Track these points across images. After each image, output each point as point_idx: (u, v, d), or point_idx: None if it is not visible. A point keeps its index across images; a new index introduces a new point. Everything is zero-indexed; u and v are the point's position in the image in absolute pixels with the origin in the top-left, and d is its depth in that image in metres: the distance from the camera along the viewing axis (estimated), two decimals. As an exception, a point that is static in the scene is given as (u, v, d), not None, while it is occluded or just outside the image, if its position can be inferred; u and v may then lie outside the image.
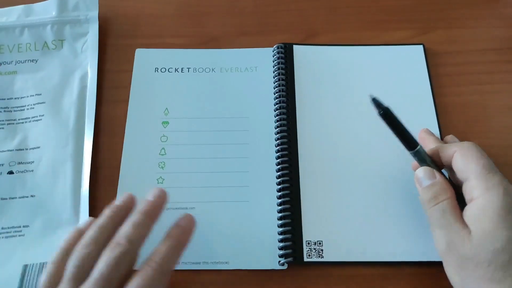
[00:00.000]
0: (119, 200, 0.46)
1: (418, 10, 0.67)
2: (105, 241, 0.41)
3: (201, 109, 0.59)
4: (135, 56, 0.63)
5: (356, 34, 0.65)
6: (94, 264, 0.39)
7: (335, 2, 0.68)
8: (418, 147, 0.46)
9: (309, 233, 0.51)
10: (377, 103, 0.44)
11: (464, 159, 0.43)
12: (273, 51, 0.63)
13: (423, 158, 0.46)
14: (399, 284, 0.50)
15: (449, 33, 0.65)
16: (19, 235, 0.52)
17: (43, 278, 0.41)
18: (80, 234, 0.43)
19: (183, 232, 0.44)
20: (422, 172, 0.45)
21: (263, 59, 0.63)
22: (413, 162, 0.48)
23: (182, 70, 0.62)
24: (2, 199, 0.54)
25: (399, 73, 0.61)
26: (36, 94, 0.60)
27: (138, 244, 0.41)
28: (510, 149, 0.57)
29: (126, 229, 0.41)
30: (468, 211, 0.41)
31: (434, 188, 0.43)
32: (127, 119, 0.58)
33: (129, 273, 0.40)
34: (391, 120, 0.45)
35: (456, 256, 0.39)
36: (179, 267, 0.48)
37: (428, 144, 0.50)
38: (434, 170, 0.45)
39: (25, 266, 0.50)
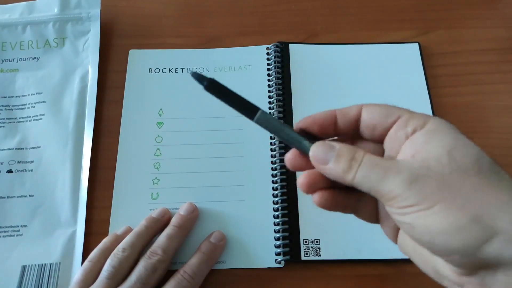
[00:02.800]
0: (155, 212, 0.52)
1: (418, 10, 0.67)
2: (141, 248, 0.47)
3: (195, 109, 0.59)
4: (129, 57, 0.63)
5: (357, 34, 0.65)
6: (129, 267, 0.45)
7: (335, 2, 0.68)
8: (259, 112, 0.35)
9: (306, 231, 0.51)
10: (198, 76, 0.36)
11: (381, 107, 0.35)
12: (268, 50, 0.63)
13: (286, 134, 0.35)
14: (398, 284, 0.50)
15: (449, 33, 0.65)
16: (17, 235, 0.52)
17: (78, 274, 0.45)
18: (116, 238, 0.48)
19: (215, 248, 0.49)
20: (318, 148, 0.34)
21: (257, 57, 0.63)
22: (286, 155, 0.36)
23: (176, 70, 0.62)
24: (1, 198, 0.54)
25: (395, 71, 0.61)
26: (37, 93, 0.60)
27: (172, 254, 0.48)
28: (510, 149, 0.57)
29: (161, 240, 0.48)
30: (416, 142, 0.32)
31: (345, 154, 0.32)
32: (121, 120, 0.58)
33: (162, 280, 0.46)
34: (219, 91, 0.37)
35: (431, 182, 0.29)
36: (175, 267, 0.49)
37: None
38: (325, 140, 0.35)
39: (24, 266, 0.50)
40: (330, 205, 0.36)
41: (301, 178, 0.36)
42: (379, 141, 0.35)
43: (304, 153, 0.34)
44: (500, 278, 0.28)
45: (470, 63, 0.63)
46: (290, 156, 0.36)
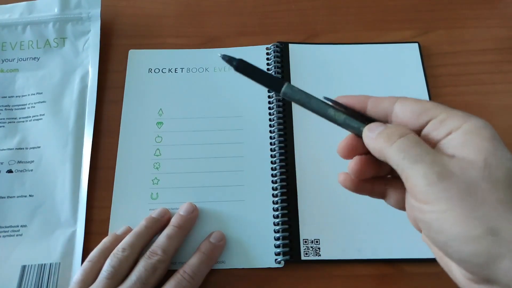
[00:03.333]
0: (155, 212, 0.52)
1: (419, 10, 0.67)
2: (140, 248, 0.47)
3: (195, 109, 0.59)
4: (128, 57, 0.63)
5: (357, 34, 0.65)
6: (129, 267, 0.45)
7: (335, 2, 0.68)
8: (284, 85, 0.37)
9: (306, 231, 0.51)
10: (228, 58, 0.38)
11: (416, 103, 0.33)
12: (268, 50, 0.63)
13: (313, 104, 0.37)
14: (398, 284, 0.50)
15: (449, 33, 0.65)
16: (17, 235, 0.52)
17: (78, 274, 0.45)
18: (116, 238, 0.48)
19: (214, 248, 0.49)
20: (374, 125, 0.34)
21: (256, 57, 0.63)
22: (340, 143, 0.38)
23: (175, 70, 0.62)
24: (1, 198, 0.54)
25: (395, 71, 0.61)
26: (37, 93, 0.60)
27: (172, 254, 0.48)
28: (510, 149, 0.57)
29: (161, 240, 0.48)
30: (451, 141, 0.30)
31: (392, 127, 0.32)
32: (121, 120, 0.58)
33: (162, 280, 0.46)
34: (248, 70, 0.39)
35: (458, 184, 0.28)
36: (175, 267, 0.49)
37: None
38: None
39: (24, 266, 0.50)
40: (361, 175, 0.36)
41: (343, 142, 0.37)
42: None
43: (332, 121, 0.36)
44: None
45: (470, 63, 0.63)
46: (346, 143, 0.37)
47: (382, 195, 0.38)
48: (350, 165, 0.36)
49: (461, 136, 0.30)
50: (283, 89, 0.37)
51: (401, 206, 0.37)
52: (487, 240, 0.26)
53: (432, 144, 0.31)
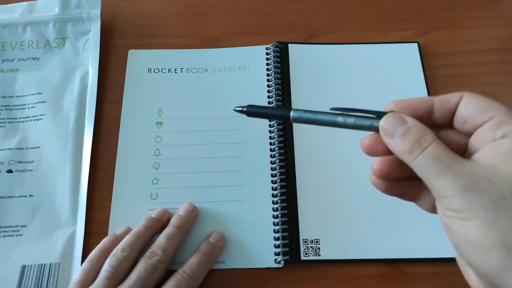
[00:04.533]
0: (154, 212, 0.52)
1: (419, 11, 0.67)
2: (140, 248, 0.47)
3: (194, 109, 0.59)
4: (128, 57, 0.63)
5: (357, 34, 0.65)
6: (128, 267, 0.45)
7: (335, 2, 0.68)
8: (291, 111, 0.39)
9: (305, 231, 0.51)
10: (238, 110, 0.42)
11: (481, 100, 0.32)
12: (268, 50, 0.63)
13: (322, 120, 0.38)
14: (398, 284, 0.50)
15: (449, 33, 0.65)
16: (17, 235, 0.52)
17: (77, 274, 0.45)
18: (116, 238, 0.48)
19: (214, 248, 0.49)
20: (389, 119, 0.34)
21: (256, 57, 0.63)
22: (362, 140, 0.37)
23: (175, 70, 0.62)
24: (1, 197, 0.54)
25: (394, 71, 0.61)
26: (37, 93, 0.60)
27: (171, 254, 0.48)
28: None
29: (161, 241, 0.48)
30: (499, 148, 0.30)
31: (413, 133, 0.32)
32: (121, 120, 0.58)
33: (162, 280, 0.45)
34: (258, 111, 0.42)
35: (484, 197, 0.28)
36: (175, 267, 0.48)
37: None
38: (401, 114, 0.34)
39: (24, 266, 0.50)
40: (385, 177, 0.36)
41: (366, 138, 0.36)
42: (467, 134, 0.33)
43: (344, 127, 0.37)
44: None
45: (470, 63, 0.63)
46: (368, 140, 0.36)
47: (413, 198, 0.38)
48: (373, 165, 0.36)
49: (510, 144, 0.29)
50: (291, 115, 0.39)
51: (433, 209, 0.35)
52: (498, 253, 0.27)
53: (485, 144, 0.31)
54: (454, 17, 0.67)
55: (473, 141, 0.32)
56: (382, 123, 0.34)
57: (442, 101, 0.33)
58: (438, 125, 0.34)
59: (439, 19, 0.66)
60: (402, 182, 0.37)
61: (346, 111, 0.37)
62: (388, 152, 0.35)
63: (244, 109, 0.41)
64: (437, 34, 0.65)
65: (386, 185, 0.37)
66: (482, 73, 0.62)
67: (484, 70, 0.62)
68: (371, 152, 0.36)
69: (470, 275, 0.34)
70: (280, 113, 0.42)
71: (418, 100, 0.34)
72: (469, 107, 0.32)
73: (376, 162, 0.36)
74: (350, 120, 0.36)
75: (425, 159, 0.30)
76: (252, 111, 0.42)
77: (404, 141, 0.32)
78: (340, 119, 0.37)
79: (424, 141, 0.31)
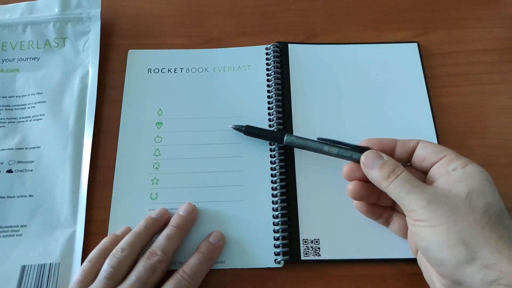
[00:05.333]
0: (154, 212, 0.52)
1: (419, 11, 0.67)
2: (140, 248, 0.47)
3: (194, 109, 0.59)
4: (128, 57, 0.63)
5: (357, 34, 0.65)
6: (128, 267, 0.45)
7: (335, 2, 0.68)
8: (285, 136, 0.52)
9: (306, 231, 0.51)
10: (236, 128, 0.55)
11: (434, 145, 0.45)
12: (268, 50, 0.63)
13: (310, 146, 0.51)
14: (398, 284, 0.50)
15: (449, 33, 0.65)
16: (17, 235, 0.52)
17: (77, 274, 0.46)
18: (116, 238, 0.49)
19: (214, 248, 0.50)
20: (369, 155, 0.45)
21: (256, 57, 0.63)
22: (343, 168, 0.48)
23: (175, 70, 0.62)
24: (0, 197, 0.54)
25: (394, 71, 0.61)
26: (37, 93, 0.60)
27: (171, 254, 0.48)
28: (509, 149, 0.57)
29: (161, 241, 0.48)
30: (451, 177, 0.41)
31: (388, 164, 0.43)
32: (120, 120, 0.58)
33: (161, 280, 0.46)
34: (255, 131, 0.54)
35: (445, 207, 0.38)
36: (175, 267, 0.48)
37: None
38: (378, 151, 0.46)
39: (23, 266, 0.50)
40: (358, 198, 0.48)
41: (346, 166, 0.48)
42: (424, 171, 0.45)
43: (328, 155, 0.50)
44: None
45: (470, 63, 0.63)
46: (347, 168, 0.48)
47: (387, 223, 0.49)
48: (348, 187, 0.48)
49: (461, 174, 0.40)
50: (285, 139, 0.52)
51: (403, 234, 0.48)
52: (459, 248, 0.36)
53: (440, 175, 0.42)
54: (453, 16, 0.67)
55: (431, 175, 0.43)
56: (363, 158, 0.45)
57: (403, 143, 0.46)
58: (397, 160, 0.45)
59: (438, 19, 0.66)
60: (376, 207, 0.49)
61: (331, 142, 0.49)
62: (363, 178, 0.46)
63: (242, 129, 0.53)
64: (437, 34, 0.65)
65: (364, 208, 0.49)
66: (482, 72, 0.62)
67: (484, 70, 0.62)
68: (349, 177, 0.48)
69: (431, 276, 0.43)
70: (275, 136, 0.54)
71: (385, 140, 0.47)
72: (426, 149, 0.44)
73: (350, 184, 0.48)
74: (334, 150, 0.49)
75: (398, 182, 0.42)
76: (249, 132, 0.54)
77: (382, 171, 0.43)
78: (326, 148, 0.49)
79: (398, 170, 0.42)
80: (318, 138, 0.49)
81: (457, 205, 0.38)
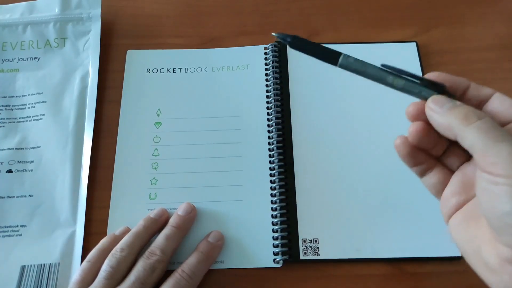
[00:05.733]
0: (153, 212, 0.52)
1: (420, 9, 0.67)
2: (139, 248, 0.47)
3: (193, 109, 0.59)
4: (126, 57, 0.63)
5: (357, 33, 0.65)
6: (127, 267, 0.45)
7: (335, 1, 0.68)
8: (341, 57, 0.39)
9: (304, 230, 0.51)
10: (281, 38, 0.40)
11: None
12: (266, 49, 0.63)
13: (370, 72, 0.40)
14: (398, 284, 0.50)
15: (450, 31, 0.65)
16: (17, 235, 0.52)
17: (77, 274, 0.46)
18: (115, 238, 0.48)
19: (213, 247, 0.49)
20: (440, 98, 0.35)
21: (254, 57, 0.63)
22: (408, 108, 0.38)
23: (173, 70, 0.62)
24: (0, 197, 0.54)
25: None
26: (37, 93, 0.60)
27: (170, 254, 0.48)
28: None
29: (160, 241, 0.48)
30: None
31: (466, 108, 0.33)
32: (119, 121, 0.58)
33: (160, 279, 0.46)
34: (302, 46, 0.40)
35: None
36: (174, 267, 0.48)
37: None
38: (448, 98, 0.35)
39: (23, 267, 0.50)
40: (416, 140, 0.37)
41: (412, 105, 0.37)
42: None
43: (391, 87, 0.38)
44: None
45: (471, 60, 0.62)
46: (414, 108, 0.37)
47: (422, 173, 0.39)
48: (411, 127, 0.37)
49: None
50: (340, 61, 0.38)
51: (436, 190, 0.38)
52: None
53: None
54: (454, 14, 0.67)
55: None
56: (431, 102, 0.35)
57: (476, 88, 0.37)
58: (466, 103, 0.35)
59: (439, 16, 0.66)
60: (420, 153, 0.38)
61: (396, 71, 0.38)
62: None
63: (288, 39, 0.39)
64: (438, 31, 0.65)
65: (407, 150, 0.38)
66: (483, 69, 0.62)
67: (485, 67, 0.62)
68: (414, 118, 0.37)
69: (485, 254, 0.33)
70: (326, 56, 0.40)
71: (458, 79, 0.37)
72: (504, 103, 0.35)
73: (414, 125, 0.37)
74: (399, 83, 0.38)
75: (484, 125, 0.31)
76: (296, 44, 0.40)
77: (460, 110, 0.33)
78: (390, 78, 0.38)
79: (481, 113, 0.32)
80: (382, 65, 0.39)
81: None
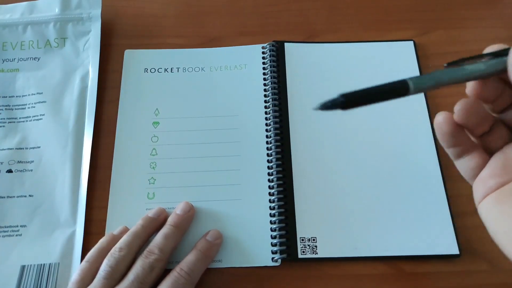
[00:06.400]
0: (151, 212, 0.52)
1: (419, 10, 0.67)
2: (137, 247, 0.47)
3: (191, 109, 0.59)
4: (124, 57, 0.63)
5: (357, 34, 0.65)
6: (126, 267, 0.45)
7: (335, 2, 0.68)
8: (410, 83, 0.30)
9: (303, 229, 0.51)
10: (327, 105, 0.30)
11: None
12: (264, 49, 0.63)
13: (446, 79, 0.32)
14: (396, 283, 0.50)
15: (449, 33, 0.65)
16: (17, 235, 0.52)
17: (75, 274, 0.46)
18: (113, 238, 0.48)
19: (211, 246, 0.49)
20: None
21: (252, 56, 0.63)
22: (469, 86, 0.35)
23: (171, 70, 0.62)
24: (0, 197, 0.54)
25: (390, 69, 0.61)
26: (37, 93, 0.60)
27: (169, 253, 0.48)
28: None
29: (158, 240, 0.48)
30: None
31: None
32: (117, 120, 0.59)
33: (159, 278, 0.46)
34: (360, 98, 0.32)
35: None
36: (172, 266, 0.48)
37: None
38: None
39: (23, 266, 0.50)
40: (452, 130, 0.35)
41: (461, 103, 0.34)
42: None
43: (476, 78, 0.33)
44: None
45: (471, 63, 0.62)
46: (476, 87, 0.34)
47: (460, 155, 0.37)
48: (461, 103, 0.34)
49: None
50: (411, 89, 0.31)
51: (471, 175, 0.37)
52: None
53: None
54: (453, 17, 0.67)
55: None
56: None
57: None
58: None
59: (438, 19, 0.66)
60: (462, 134, 0.36)
61: (463, 62, 0.34)
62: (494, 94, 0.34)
63: (339, 101, 0.30)
64: (437, 34, 0.65)
65: (452, 129, 0.35)
66: (482, 72, 0.62)
67: (484, 70, 0.62)
68: (481, 93, 0.34)
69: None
70: (393, 91, 0.32)
71: None
72: None
73: (464, 100, 0.34)
74: (481, 67, 0.32)
75: None
76: (350, 102, 0.31)
77: None
78: (466, 70, 0.33)
79: None
80: (447, 65, 0.34)
81: None
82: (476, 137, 0.36)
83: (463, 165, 0.37)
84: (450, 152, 0.38)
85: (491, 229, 0.34)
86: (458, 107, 0.34)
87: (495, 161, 0.35)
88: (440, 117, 0.36)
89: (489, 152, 0.36)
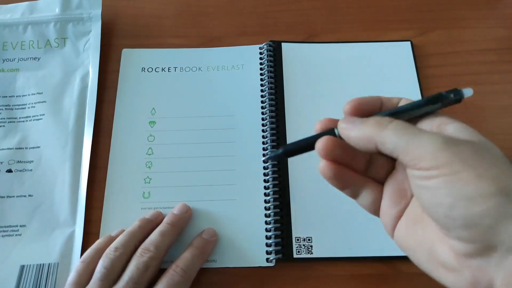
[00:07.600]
0: (148, 214, 0.52)
1: (418, 11, 0.67)
2: (133, 247, 0.47)
3: (188, 108, 0.59)
4: (122, 56, 0.63)
5: (357, 34, 0.65)
6: (122, 267, 0.45)
7: (335, 2, 0.68)
8: (335, 130, 0.37)
9: (298, 229, 0.52)
10: (272, 157, 0.41)
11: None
12: (261, 49, 0.63)
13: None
14: (394, 283, 0.50)
15: (448, 33, 0.65)
16: (16, 235, 0.52)
17: (72, 275, 0.46)
18: (110, 239, 0.48)
19: (207, 243, 0.50)
20: (348, 117, 0.36)
21: (249, 56, 0.63)
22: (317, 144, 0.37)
23: (168, 69, 0.62)
24: (0, 197, 0.54)
25: (387, 69, 0.61)
26: (37, 93, 0.60)
27: (164, 251, 0.48)
28: (510, 150, 0.56)
29: (154, 237, 0.48)
30: (448, 130, 0.33)
31: (376, 117, 0.34)
32: (114, 120, 0.59)
33: (155, 276, 0.46)
34: (296, 149, 0.40)
35: (469, 148, 0.29)
36: (166, 265, 0.48)
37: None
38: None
39: (22, 266, 0.50)
40: (335, 173, 0.37)
41: (320, 141, 0.36)
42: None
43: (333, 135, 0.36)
44: (509, 263, 0.27)
45: (470, 63, 0.63)
46: (325, 142, 0.36)
47: (355, 194, 0.39)
48: (318, 142, 0.37)
49: (453, 128, 0.32)
50: (336, 132, 0.37)
51: (374, 208, 0.38)
52: (498, 199, 0.27)
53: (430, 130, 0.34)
54: (453, 17, 0.67)
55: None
56: (342, 121, 0.36)
57: (388, 99, 0.37)
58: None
59: (438, 19, 0.66)
60: (345, 173, 0.38)
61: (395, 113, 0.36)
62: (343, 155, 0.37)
63: (284, 154, 0.39)
64: (436, 34, 0.65)
65: (333, 171, 0.37)
66: (481, 72, 0.62)
67: (483, 70, 0.62)
68: (328, 154, 0.37)
69: (440, 253, 0.32)
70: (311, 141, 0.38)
71: (370, 97, 0.37)
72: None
73: (322, 140, 0.36)
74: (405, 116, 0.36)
75: (398, 125, 0.32)
76: (289, 151, 0.40)
77: (370, 121, 0.33)
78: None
79: (389, 118, 0.33)
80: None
81: (478, 147, 0.29)
82: (362, 172, 0.38)
83: (363, 202, 0.39)
84: (346, 194, 0.39)
85: (413, 257, 0.35)
86: (318, 145, 0.36)
87: (388, 189, 0.37)
88: (320, 165, 0.38)
89: (382, 182, 0.38)
